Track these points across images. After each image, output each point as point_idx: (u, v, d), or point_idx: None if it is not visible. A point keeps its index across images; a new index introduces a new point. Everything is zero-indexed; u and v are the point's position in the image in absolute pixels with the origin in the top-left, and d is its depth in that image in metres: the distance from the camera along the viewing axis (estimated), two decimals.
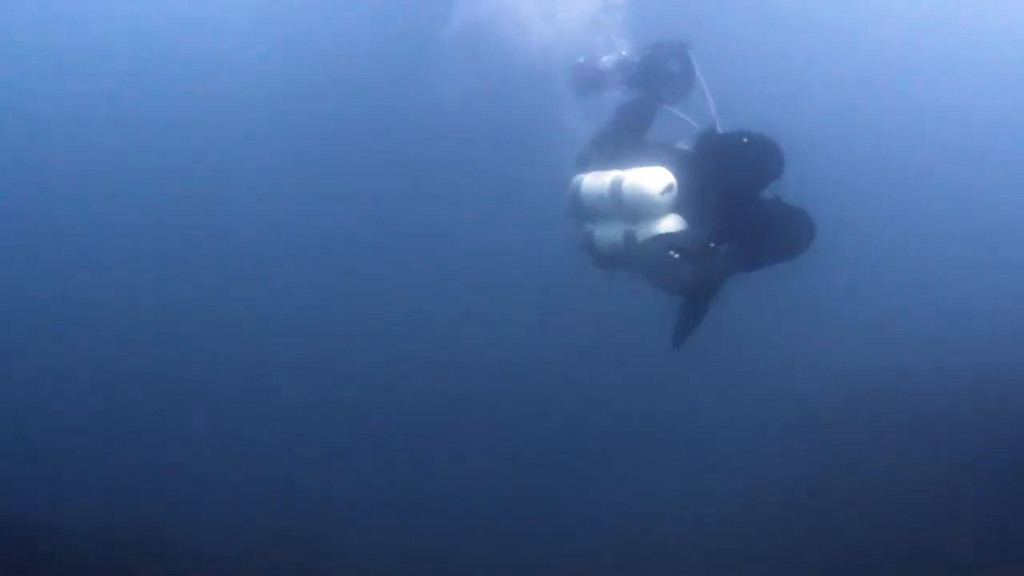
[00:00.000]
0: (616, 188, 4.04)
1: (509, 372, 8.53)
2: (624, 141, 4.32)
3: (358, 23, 9.15)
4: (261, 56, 9.34)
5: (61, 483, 6.88)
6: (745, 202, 4.03)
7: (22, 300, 8.84)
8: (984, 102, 10.73)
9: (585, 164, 4.48)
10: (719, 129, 4.14)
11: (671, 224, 3.96)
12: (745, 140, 4.02)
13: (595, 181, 4.20)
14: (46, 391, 8.09)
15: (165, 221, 9.48)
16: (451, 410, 8.39)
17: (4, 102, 9.75)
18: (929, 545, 6.28)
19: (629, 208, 4.01)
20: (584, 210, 4.28)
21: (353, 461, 7.65)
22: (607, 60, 4.70)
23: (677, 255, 3.96)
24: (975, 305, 9.43)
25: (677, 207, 3.98)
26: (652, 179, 3.94)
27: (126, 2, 9.82)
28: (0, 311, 8.68)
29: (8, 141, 9.67)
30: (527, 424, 8.30)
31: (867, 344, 8.95)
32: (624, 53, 4.65)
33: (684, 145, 4.22)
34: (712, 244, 4.00)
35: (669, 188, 3.93)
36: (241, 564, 6.25)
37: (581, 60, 4.76)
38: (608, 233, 4.16)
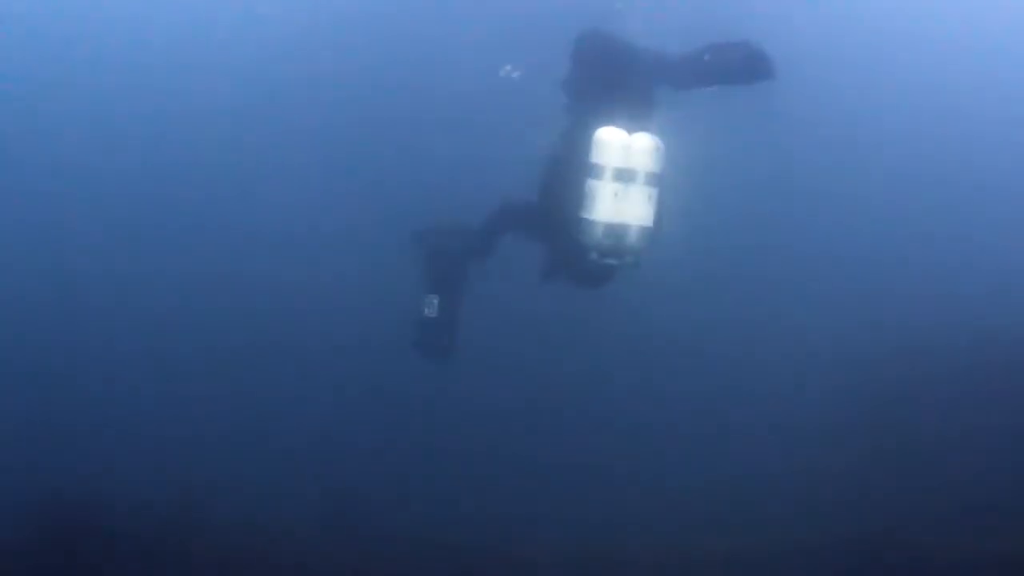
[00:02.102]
0: (619, 173, 4.25)
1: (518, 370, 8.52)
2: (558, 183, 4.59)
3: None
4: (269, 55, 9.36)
5: (101, 459, 6.86)
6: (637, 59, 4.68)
7: (56, 294, 8.81)
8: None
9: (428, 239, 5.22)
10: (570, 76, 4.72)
11: (646, 140, 4.30)
12: (584, 42, 4.69)
13: (600, 208, 4.30)
14: (80, 369, 8.06)
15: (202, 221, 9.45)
16: (454, 409, 8.38)
17: (6, 102, 9.74)
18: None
19: (637, 168, 4.27)
20: (619, 229, 4.35)
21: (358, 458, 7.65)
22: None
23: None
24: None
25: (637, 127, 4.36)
26: (613, 136, 4.28)
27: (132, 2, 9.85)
28: (40, 303, 8.65)
29: (8, 141, 9.67)
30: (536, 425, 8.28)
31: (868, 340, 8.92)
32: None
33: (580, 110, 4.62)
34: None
35: (619, 127, 4.30)
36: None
37: (427, 315, 5.26)
38: (640, 200, 4.30)
